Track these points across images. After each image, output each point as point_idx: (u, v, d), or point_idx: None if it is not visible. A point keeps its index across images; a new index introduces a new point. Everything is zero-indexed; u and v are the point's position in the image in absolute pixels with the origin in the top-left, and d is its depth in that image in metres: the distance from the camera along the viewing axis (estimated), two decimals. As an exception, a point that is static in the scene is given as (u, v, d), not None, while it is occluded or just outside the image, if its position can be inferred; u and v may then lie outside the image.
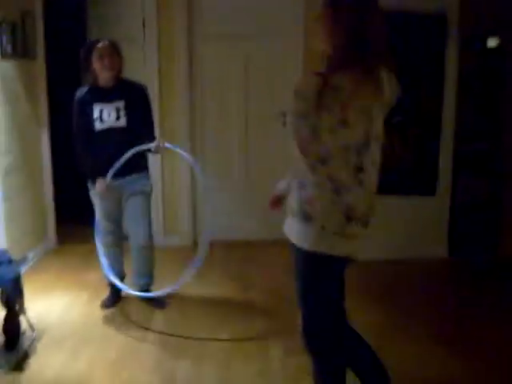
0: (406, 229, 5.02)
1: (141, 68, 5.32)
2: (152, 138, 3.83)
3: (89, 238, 5.60)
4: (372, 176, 2.38)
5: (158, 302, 4.10)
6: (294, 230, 2.35)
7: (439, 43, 4.78)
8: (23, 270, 3.62)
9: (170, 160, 5.35)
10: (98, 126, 3.75)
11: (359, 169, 2.28)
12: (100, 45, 3.77)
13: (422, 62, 4.79)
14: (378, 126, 2.35)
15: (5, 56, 4.51)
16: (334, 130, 2.17)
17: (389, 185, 4.87)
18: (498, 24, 4.90)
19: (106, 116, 3.73)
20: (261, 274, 4.79)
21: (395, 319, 3.95)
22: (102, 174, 3.79)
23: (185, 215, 5.55)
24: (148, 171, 4.07)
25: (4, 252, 3.60)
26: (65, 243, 5.58)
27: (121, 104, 3.76)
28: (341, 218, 2.29)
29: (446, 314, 4.09)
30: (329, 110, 2.14)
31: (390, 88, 2.28)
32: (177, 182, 5.50)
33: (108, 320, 3.94)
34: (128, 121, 3.77)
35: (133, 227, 4.01)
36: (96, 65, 3.76)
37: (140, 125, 3.86)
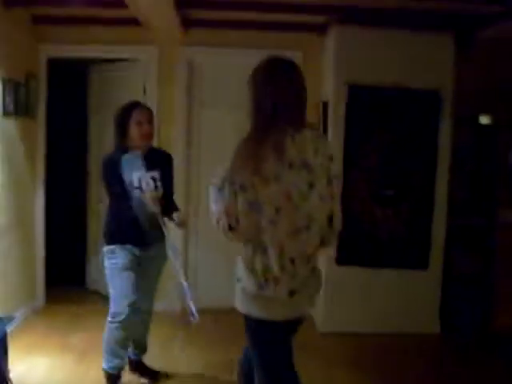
0: (397, 302, 4.99)
1: None
2: (176, 208, 3.73)
3: (77, 300, 5.63)
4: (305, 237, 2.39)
5: (153, 374, 4.00)
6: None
7: (433, 119, 4.88)
8: (9, 329, 3.55)
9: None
10: (136, 194, 3.49)
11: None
12: (139, 110, 3.61)
13: (416, 137, 4.86)
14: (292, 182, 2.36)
15: (6, 114, 4.58)
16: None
17: (381, 258, 4.94)
18: (490, 101, 5.02)
19: (145, 185, 3.48)
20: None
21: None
22: (133, 241, 3.61)
23: (173, 280, 5.47)
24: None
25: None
26: (53, 303, 5.51)
27: (156, 174, 3.54)
28: (258, 279, 2.33)
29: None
30: None
31: (304, 146, 2.39)
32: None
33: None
34: (164, 191, 3.56)
35: (143, 294, 3.75)
36: (134, 131, 3.58)
37: (170, 194, 3.74)
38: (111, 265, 3.62)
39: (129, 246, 3.59)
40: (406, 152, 4.88)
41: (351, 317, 4.99)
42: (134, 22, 4.87)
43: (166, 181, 3.64)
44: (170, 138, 5.40)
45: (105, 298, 5.72)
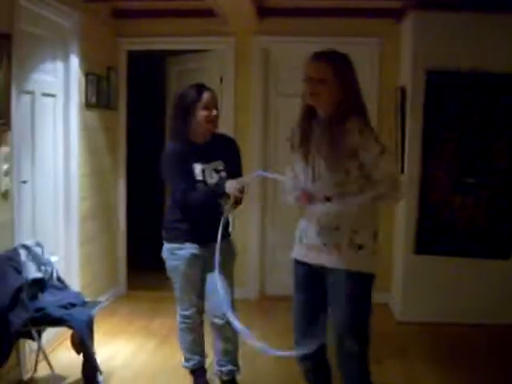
0: (477, 292, 4.86)
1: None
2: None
3: (158, 286, 5.79)
4: None
5: None
6: None
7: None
8: (96, 313, 3.70)
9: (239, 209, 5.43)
10: (200, 188, 3.21)
11: None
12: (207, 95, 3.24)
13: (497, 123, 4.72)
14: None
15: (89, 106, 4.75)
16: None
17: (460, 247, 4.83)
18: None
19: (209, 178, 3.24)
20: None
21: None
22: (198, 239, 3.31)
23: (252, 268, 5.57)
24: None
25: (78, 294, 3.71)
26: (135, 289, 5.69)
27: (220, 165, 3.30)
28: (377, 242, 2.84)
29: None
30: None
31: None
32: (247, 232, 5.53)
33: (173, 369, 3.96)
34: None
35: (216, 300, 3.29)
36: (201, 117, 3.23)
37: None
38: (172, 266, 3.38)
39: (189, 245, 3.30)
40: (486, 138, 4.74)
41: (429, 306, 4.91)
42: (210, 13, 4.95)
43: (233, 171, 3.30)
44: (247, 126, 5.45)
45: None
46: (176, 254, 3.33)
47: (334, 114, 2.68)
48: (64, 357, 3.90)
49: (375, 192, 2.65)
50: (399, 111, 5.02)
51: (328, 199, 2.69)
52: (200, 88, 3.28)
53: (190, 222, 3.29)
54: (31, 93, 3.92)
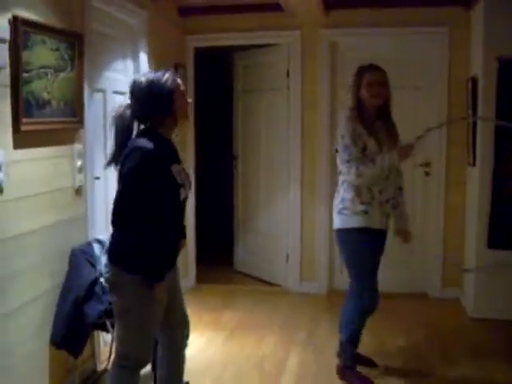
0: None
1: (285, 116, 5.52)
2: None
3: (225, 280, 5.86)
4: None
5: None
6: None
7: None
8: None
9: (309, 206, 5.43)
10: (182, 194, 2.72)
11: None
12: (181, 82, 2.72)
13: None
14: None
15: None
16: None
17: None
18: None
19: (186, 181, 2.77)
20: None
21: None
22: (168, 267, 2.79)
23: (322, 263, 5.55)
24: None
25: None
26: (203, 283, 5.76)
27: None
28: None
29: None
30: None
31: None
32: (316, 228, 5.52)
33: (243, 361, 4.00)
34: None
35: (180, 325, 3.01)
36: (184, 107, 2.72)
37: None
38: (145, 301, 2.69)
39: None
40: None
41: (503, 302, 4.75)
42: (275, 7, 4.95)
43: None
44: (314, 122, 5.40)
45: (253, 279, 5.94)
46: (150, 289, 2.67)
47: (387, 113, 3.62)
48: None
49: None
50: (470, 102, 4.88)
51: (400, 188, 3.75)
52: (175, 73, 2.73)
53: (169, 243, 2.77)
54: (103, 91, 4.01)
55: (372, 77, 3.49)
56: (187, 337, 3.04)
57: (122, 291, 2.68)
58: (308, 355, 4.09)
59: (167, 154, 2.66)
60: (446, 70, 5.15)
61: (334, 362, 3.76)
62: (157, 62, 4.77)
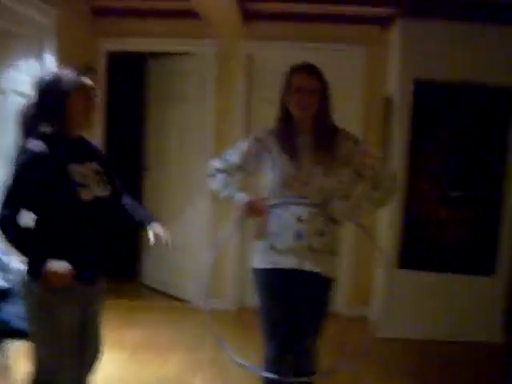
0: (460, 309, 4.78)
1: (199, 128, 5.37)
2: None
3: (131, 294, 5.62)
4: None
5: None
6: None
7: (505, 118, 4.61)
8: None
9: (221, 220, 5.29)
10: (85, 195, 2.49)
11: None
12: (86, 82, 2.52)
13: (486, 137, 4.62)
14: None
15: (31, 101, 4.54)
16: None
17: (445, 262, 4.75)
18: None
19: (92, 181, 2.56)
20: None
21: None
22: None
23: (231, 278, 5.41)
24: None
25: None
26: (106, 297, 5.48)
27: (98, 167, 2.62)
28: None
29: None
30: None
31: None
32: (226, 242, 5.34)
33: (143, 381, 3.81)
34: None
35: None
36: (78, 108, 2.49)
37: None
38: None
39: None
40: (475, 152, 4.64)
41: (411, 322, 4.80)
42: (193, 15, 4.81)
43: (113, 178, 2.71)
44: (228, 133, 5.26)
45: (160, 294, 5.73)
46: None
47: (322, 123, 2.86)
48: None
49: (386, 189, 2.91)
50: (385, 122, 4.90)
51: (314, 206, 2.83)
52: (78, 72, 2.52)
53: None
54: (2, 91, 3.74)
55: (299, 81, 2.83)
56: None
57: (26, 298, 2.52)
58: (214, 376, 3.94)
59: (62, 154, 2.47)
60: (362, 89, 5.15)
61: (241, 381, 3.63)
62: (65, 64, 4.50)
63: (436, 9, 4.47)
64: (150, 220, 2.82)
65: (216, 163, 3.04)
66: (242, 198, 2.92)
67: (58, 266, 2.34)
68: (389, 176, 2.94)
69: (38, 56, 4.21)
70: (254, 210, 2.87)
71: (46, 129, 2.50)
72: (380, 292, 4.92)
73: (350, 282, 5.28)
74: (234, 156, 2.99)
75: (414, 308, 4.79)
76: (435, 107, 4.62)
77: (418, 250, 4.75)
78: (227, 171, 3.00)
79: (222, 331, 4.69)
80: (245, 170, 3.00)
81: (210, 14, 4.69)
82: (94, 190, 2.52)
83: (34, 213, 2.44)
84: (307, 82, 2.81)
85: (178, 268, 5.62)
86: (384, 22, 4.96)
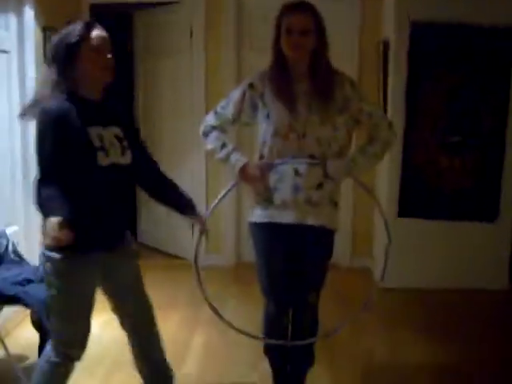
0: (463, 256, 4.69)
1: (189, 81, 5.18)
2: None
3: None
4: None
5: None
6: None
7: (507, 59, 4.44)
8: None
9: (214, 174, 5.15)
10: (102, 160, 2.38)
11: None
12: (97, 33, 2.39)
13: (486, 79, 4.46)
14: None
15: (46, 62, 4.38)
16: None
17: (446, 210, 4.65)
18: None
19: (111, 146, 2.42)
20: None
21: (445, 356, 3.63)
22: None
23: (228, 234, 5.32)
24: None
25: (36, 269, 3.42)
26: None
27: (119, 132, 2.48)
28: None
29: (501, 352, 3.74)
30: None
31: None
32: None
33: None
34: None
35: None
36: (87, 63, 2.37)
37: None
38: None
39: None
40: (475, 96, 4.47)
41: (413, 272, 4.71)
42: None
43: (135, 143, 2.56)
44: (219, 86, 5.05)
45: (158, 252, 5.65)
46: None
47: (319, 67, 2.66)
48: (24, 337, 3.66)
49: (382, 139, 2.76)
50: (382, 67, 4.72)
51: (313, 157, 2.66)
52: (89, 24, 2.42)
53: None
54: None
55: (290, 20, 2.61)
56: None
57: (46, 276, 2.44)
58: (213, 334, 3.87)
59: (82, 114, 2.34)
60: (357, 33, 4.97)
61: (240, 339, 3.56)
62: (46, 19, 4.32)
63: None
64: (193, 209, 2.66)
65: (209, 119, 2.85)
66: (238, 160, 2.75)
67: (53, 220, 2.19)
68: (386, 126, 2.77)
69: (17, 11, 4.01)
70: (250, 176, 2.72)
71: (63, 89, 2.35)
72: (381, 242, 4.82)
73: (350, 232, 5.20)
74: (227, 109, 2.80)
75: (416, 257, 4.70)
76: (433, 50, 4.45)
77: (417, 197, 4.64)
78: (222, 127, 2.83)
79: (220, 288, 4.67)
80: (240, 121, 2.83)
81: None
82: (112, 155, 2.39)
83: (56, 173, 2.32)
84: (299, 22, 2.60)
85: (174, 226, 5.51)
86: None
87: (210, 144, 2.84)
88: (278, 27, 2.66)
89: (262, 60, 5.10)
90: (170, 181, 2.71)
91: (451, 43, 4.42)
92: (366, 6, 4.94)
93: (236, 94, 2.79)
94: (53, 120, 2.28)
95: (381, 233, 4.81)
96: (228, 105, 2.80)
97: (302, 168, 2.67)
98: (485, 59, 4.44)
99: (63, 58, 2.35)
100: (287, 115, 2.65)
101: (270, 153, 2.72)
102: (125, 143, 2.46)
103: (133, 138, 2.53)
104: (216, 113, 2.84)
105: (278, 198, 2.71)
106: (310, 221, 2.71)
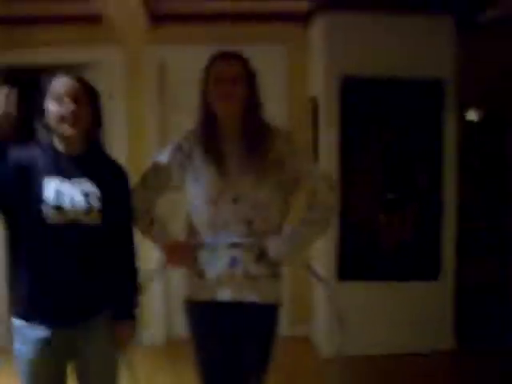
0: (407, 318, 4.48)
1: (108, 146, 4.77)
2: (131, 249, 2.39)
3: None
4: None
5: None
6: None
7: (437, 112, 4.38)
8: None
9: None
10: (53, 216, 2.12)
11: None
12: (60, 82, 2.18)
13: (419, 133, 4.37)
14: None
15: None
16: None
17: (386, 270, 4.44)
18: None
19: (68, 202, 2.14)
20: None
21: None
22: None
23: (156, 306, 4.88)
24: None
25: None
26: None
27: (91, 186, 2.20)
28: None
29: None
30: None
31: None
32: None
33: None
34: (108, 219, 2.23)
35: None
36: (50, 113, 2.17)
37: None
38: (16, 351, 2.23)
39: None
40: (408, 150, 4.36)
41: (357, 338, 4.40)
42: (93, 18, 4.30)
43: (115, 206, 2.25)
44: (142, 151, 4.70)
45: None
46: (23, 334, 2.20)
47: (250, 122, 2.39)
48: None
49: (324, 204, 2.46)
50: (311, 125, 4.56)
51: (250, 223, 2.36)
52: (57, 73, 2.21)
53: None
54: None
55: (219, 68, 2.36)
56: None
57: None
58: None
59: (44, 164, 2.16)
60: (285, 91, 4.78)
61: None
62: None
63: (358, 0, 4.19)
64: (124, 313, 2.31)
65: (136, 192, 2.46)
66: (162, 239, 2.49)
67: None
68: (326, 188, 2.46)
69: None
70: (176, 258, 2.46)
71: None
72: (321, 308, 4.55)
73: (288, 299, 4.88)
74: (154, 179, 2.50)
75: (358, 322, 4.41)
76: (364, 104, 4.32)
77: (357, 258, 4.43)
78: (150, 200, 2.50)
79: (152, 370, 4.22)
80: (170, 187, 2.53)
81: (113, 17, 4.19)
82: (72, 212, 2.11)
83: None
84: (228, 69, 2.35)
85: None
86: (304, 18, 4.62)
87: (139, 224, 2.48)
88: (206, 79, 2.40)
89: (189, 122, 4.92)
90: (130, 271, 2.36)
91: (382, 97, 4.31)
92: (293, 63, 4.77)
93: (163, 159, 2.50)
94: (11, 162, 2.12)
95: (319, 297, 4.56)
96: (155, 174, 2.50)
97: (239, 238, 2.37)
98: (418, 112, 4.35)
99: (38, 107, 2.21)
100: (217, 178, 2.37)
101: (199, 221, 2.42)
102: (97, 202, 2.16)
103: (115, 198, 2.24)
104: (142, 185, 2.50)
105: (211, 272, 2.40)
106: (250, 297, 2.39)
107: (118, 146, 4.71)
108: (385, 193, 4.37)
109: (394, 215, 4.39)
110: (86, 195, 2.16)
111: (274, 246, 2.37)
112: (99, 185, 2.20)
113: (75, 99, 2.15)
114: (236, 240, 2.35)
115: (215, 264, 2.39)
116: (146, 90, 4.78)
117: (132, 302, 2.32)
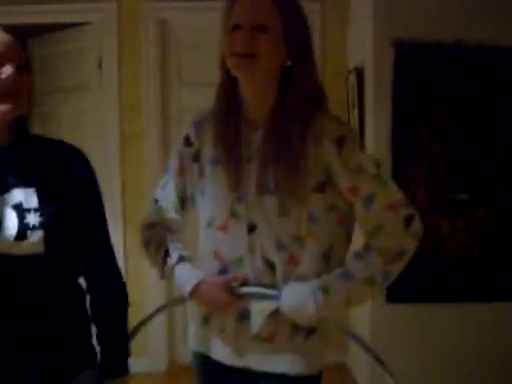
0: (476, 347, 3.66)
1: (97, 125, 4.25)
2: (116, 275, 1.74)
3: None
4: None
5: None
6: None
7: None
8: None
9: (135, 252, 3.99)
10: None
11: None
12: None
13: (496, 117, 3.51)
14: None
15: None
16: None
17: (449, 289, 3.62)
18: None
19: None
20: None
21: None
22: None
23: (158, 331, 4.21)
24: None
25: None
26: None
27: (30, 197, 1.52)
28: None
29: None
30: None
31: None
32: (146, 281, 4.13)
33: None
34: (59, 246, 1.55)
35: None
36: None
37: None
38: None
39: None
40: (482, 139, 3.50)
41: (410, 372, 3.57)
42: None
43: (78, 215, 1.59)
44: (138, 133, 4.15)
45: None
46: None
47: (281, 102, 1.58)
48: None
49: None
50: (356, 99, 3.77)
51: (272, 266, 1.61)
52: None
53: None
54: None
55: (238, 12, 1.57)
56: None
57: None
58: None
59: None
60: (319, 61, 3.98)
61: None
62: None
63: None
64: (113, 369, 1.67)
65: (148, 212, 1.83)
66: (188, 278, 1.71)
67: None
68: (398, 223, 1.60)
69: None
70: (211, 301, 1.68)
71: None
72: (365, 334, 3.73)
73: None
74: (167, 189, 1.80)
75: (411, 354, 3.65)
76: (426, 78, 3.46)
77: (412, 275, 3.55)
78: (164, 222, 1.79)
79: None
80: (188, 201, 1.81)
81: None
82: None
83: None
84: (250, 12, 1.55)
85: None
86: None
87: (153, 258, 1.80)
88: (224, 24, 1.60)
89: (195, 97, 4.19)
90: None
91: (452, 68, 3.46)
92: (328, 26, 4.07)
93: (173, 163, 1.80)
94: None
95: (365, 321, 3.81)
96: (168, 183, 1.81)
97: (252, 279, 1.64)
98: (494, 90, 3.48)
99: None
100: (228, 192, 1.64)
101: (201, 253, 1.73)
102: (36, 218, 1.48)
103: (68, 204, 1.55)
104: (156, 201, 1.82)
105: (216, 318, 1.71)
106: (257, 365, 1.67)
107: (109, 126, 4.19)
108: (450, 193, 3.53)
109: (460, 221, 3.54)
110: (20, 210, 1.49)
111: (291, 299, 1.59)
112: (41, 192, 1.52)
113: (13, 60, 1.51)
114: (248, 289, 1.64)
115: (220, 314, 1.71)
116: (142, 56, 4.15)
117: (122, 352, 1.69)
